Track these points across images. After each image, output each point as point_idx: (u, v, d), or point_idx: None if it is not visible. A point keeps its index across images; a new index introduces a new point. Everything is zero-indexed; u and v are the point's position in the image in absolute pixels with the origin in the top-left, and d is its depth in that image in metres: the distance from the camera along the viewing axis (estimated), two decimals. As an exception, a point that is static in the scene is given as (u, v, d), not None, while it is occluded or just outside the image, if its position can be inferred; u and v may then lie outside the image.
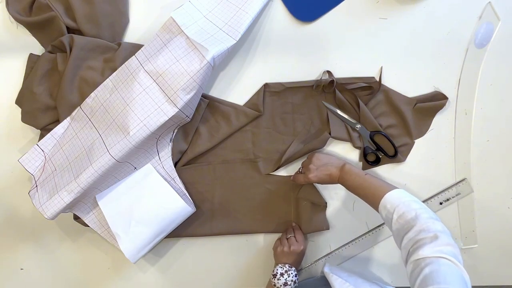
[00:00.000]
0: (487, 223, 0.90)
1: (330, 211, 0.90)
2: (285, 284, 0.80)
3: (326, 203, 0.89)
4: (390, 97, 0.87)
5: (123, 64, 0.83)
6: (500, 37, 0.86)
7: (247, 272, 0.93)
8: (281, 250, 0.84)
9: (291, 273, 0.81)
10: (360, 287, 0.76)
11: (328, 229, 0.90)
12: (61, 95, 0.84)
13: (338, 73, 0.87)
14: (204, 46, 0.77)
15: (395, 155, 0.87)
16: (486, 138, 0.89)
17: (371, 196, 0.71)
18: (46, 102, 0.85)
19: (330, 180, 0.79)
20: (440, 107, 0.87)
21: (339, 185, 0.90)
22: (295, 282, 0.81)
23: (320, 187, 0.89)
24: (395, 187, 0.70)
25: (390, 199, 0.68)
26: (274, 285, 0.81)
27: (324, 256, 0.91)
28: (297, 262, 0.85)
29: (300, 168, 0.87)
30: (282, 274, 0.81)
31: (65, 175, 0.81)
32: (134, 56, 0.83)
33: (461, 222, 0.90)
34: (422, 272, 0.57)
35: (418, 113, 0.87)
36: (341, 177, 0.77)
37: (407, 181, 0.89)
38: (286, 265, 0.82)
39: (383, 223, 0.90)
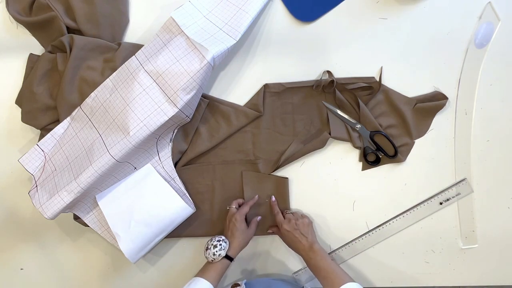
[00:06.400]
0: (487, 223, 0.90)
1: (330, 211, 0.90)
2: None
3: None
4: (390, 97, 0.87)
5: (123, 64, 0.83)
6: (500, 37, 0.86)
7: (247, 271, 0.93)
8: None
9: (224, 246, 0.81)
10: None
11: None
12: (61, 95, 0.84)
13: (338, 73, 0.87)
14: (204, 46, 0.77)
15: (395, 155, 0.87)
16: (486, 138, 0.89)
17: (329, 282, 0.75)
18: (46, 102, 0.85)
19: (296, 246, 0.82)
20: (440, 107, 0.87)
21: (339, 186, 0.90)
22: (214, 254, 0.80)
23: (320, 186, 0.90)
24: (352, 280, 0.74)
25: None
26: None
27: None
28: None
29: (286, 211, 0.87)
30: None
31: (65, 175, 0.81)
32: (134, 56, 0.83)
33: (461, 222, 0.90)
34: None
35: (418, 113, 0.87)
36: (309, 252, 0.80)
37: (407, 181, 0.90)
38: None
39: (383, 223, 0.90)
